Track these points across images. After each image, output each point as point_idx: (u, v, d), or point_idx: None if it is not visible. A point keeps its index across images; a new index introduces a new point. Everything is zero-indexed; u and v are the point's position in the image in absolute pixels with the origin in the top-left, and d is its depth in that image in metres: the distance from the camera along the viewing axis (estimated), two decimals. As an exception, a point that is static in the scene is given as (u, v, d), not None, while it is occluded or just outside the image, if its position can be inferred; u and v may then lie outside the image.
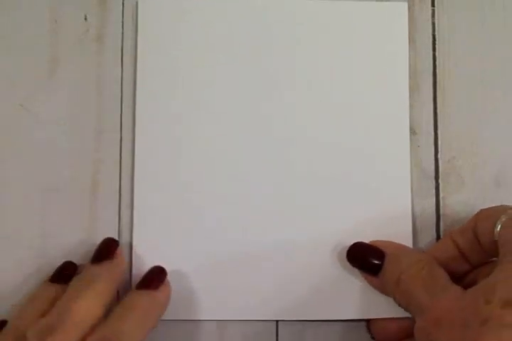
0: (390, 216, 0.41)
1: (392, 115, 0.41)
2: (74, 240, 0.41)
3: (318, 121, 0.41)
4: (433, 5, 0.43)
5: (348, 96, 0.41)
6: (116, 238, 0.40)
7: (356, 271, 0.39)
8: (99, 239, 0.40)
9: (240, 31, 0.42)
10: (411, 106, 0.42)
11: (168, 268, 0.39)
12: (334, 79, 0.42)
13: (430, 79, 0.42)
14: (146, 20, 0.42)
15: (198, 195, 0.41)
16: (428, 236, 0.41)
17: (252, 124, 0.41)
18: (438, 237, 0.41)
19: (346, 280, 0.40)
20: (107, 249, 0.39)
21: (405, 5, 0.42)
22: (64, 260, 0.40)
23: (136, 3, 0.42)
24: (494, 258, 0.35)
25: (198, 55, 0.42)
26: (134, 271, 0.40)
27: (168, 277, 0.39)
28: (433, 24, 0.43)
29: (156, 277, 0.39)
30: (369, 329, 0.40)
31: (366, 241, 0.40)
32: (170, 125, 0.41)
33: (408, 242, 0.40)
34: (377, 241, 0.39)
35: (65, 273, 0.39)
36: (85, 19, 0.42)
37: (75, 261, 0.40)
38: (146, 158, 0.41)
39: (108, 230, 0.41)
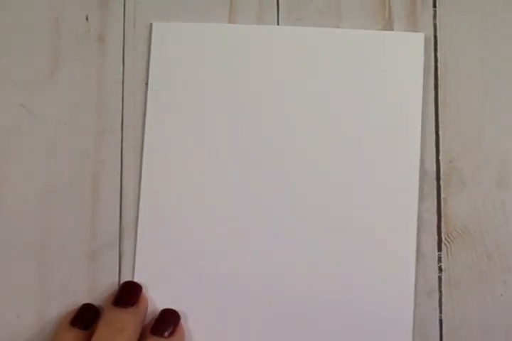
0: (394, 218, 0.41)
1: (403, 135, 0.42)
2: (74, 240, 0.41)
3: (326, 134, 0.41)
4: (434, 6, 0.43)
5: (360, 120, 0.42)
6: (117, 239, 0.41)
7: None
8: (99, 240, 0.41)
9: (252, 58, 0.42)
10: (412, 107, 0.42)
11: (171, 275, 0.40)
12: (346, 107, 0.42)
13: (432, 80, 0.42)
14: (159, 42, 0.42)
15: (202, 203, 0.41)
16: (429, 237, 0.41)
17: (259, 149, 0.41)
18: (439, 238, 0.41)
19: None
20: (132, 295, 0.39)
21: (422, 36, 0.42)
22: (64, 260, 0.40)
23: (151, 24, 0.42)
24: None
25: (208, 78, 0.42)
26: (136, 273, 0.40)
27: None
28: (434, 25, 0.43)
29: (170, 324, 0.39)
30: None
31: (370, 243, 0.40)
32: (179, 135, 0.41)
33: (412, 244, 0.40)
34: None
35: (87, 318, 0.39)
36: (86, 19, 0.42)
37: (75, 261, 0.40)
38: (154, 165, 0.41)
39: (109, 230, 0.41)
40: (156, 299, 0.40)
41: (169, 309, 0.39)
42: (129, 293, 0.39)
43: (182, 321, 0.39)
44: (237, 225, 0.41)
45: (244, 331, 0.40)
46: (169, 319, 0.39)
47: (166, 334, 0.38)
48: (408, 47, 0.42)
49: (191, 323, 0.40)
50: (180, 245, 0.40)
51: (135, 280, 0.40)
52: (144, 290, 0.39)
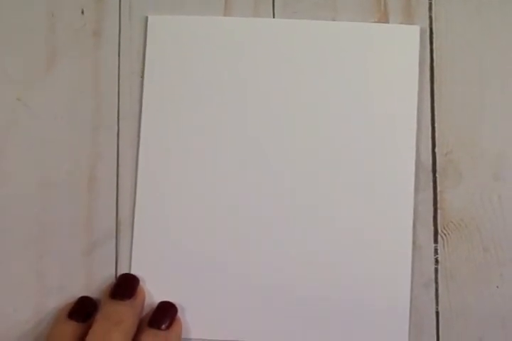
0: (390, 211, 0.41)
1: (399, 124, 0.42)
2: (71, 234, 0.41)
3: (324, 127, 0.42)
4: (430, -2, 0.43)
5: (359, 105, 0.42)
6: (114, 233, 0.41)
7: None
8: (96, 234, 0.41)
9: (248, 51, 0.42)
10: (408, 100, 0.42)
11: (168, 268, 0.40)
12: (342, 99, 0.42)
13: (427, 72, 0.42)
14: (154, 35, 0.42)
15: (199, 196, 0.41)
16: (425, 230, 0.41)
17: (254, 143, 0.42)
18: (435, 231, 0.41)
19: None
20: (130, 287, 0.39)
21: (417, 28, 0.42)
22: (61, 254, 0.40)
23: (146, 17, 0.42)
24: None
25: (203, 71, 0.42)
26: (133, 266, 0.40)
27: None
28: (430, 17, 0.43)
29: (167, 317, 0.39)
30: None
31: (367, 236, 0.40)
32: (175, 129, 0.41)
33: (408, 236, 0.41)
34: None
35: (84, 311, 0.39)
36: (82, 13, 0.42)
37: (72, 255, 0.40)
38: (150, 158, 0.41)
39: (106, 224, 0.41)
40: (154, 292, 0.40)
41: (166, 302, 0.40)
42: (126, 286, 0.39)
43: (179, 314, 0.39)
44: (234, 218, 0.41)
45: (241, 323, 0.40)
46: (166, 311, 0.39)
47: (163, 326, 0.38)
48: (404, 40, 0.42)
49: (188, 316, 0.40)
50: (177, 238, 0.41)
51: (132, 273, 0.40)
52: (141, 283, 0.40)
